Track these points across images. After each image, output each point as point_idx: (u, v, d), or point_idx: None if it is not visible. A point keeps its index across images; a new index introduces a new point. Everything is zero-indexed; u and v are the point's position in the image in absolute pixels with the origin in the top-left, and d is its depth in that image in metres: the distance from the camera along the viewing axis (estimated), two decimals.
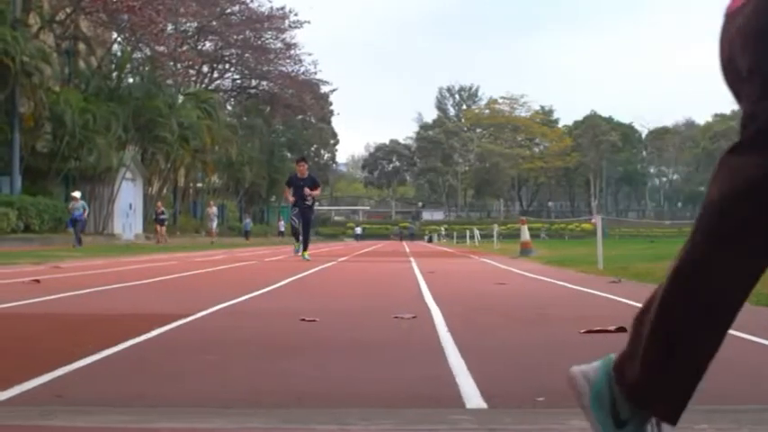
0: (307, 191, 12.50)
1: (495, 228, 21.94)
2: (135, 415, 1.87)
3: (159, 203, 29.70)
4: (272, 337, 3.30)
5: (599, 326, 3.54)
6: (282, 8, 46.09)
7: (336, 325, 3.77)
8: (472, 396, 2.12)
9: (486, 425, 1.82)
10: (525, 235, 14.51)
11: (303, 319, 3.82)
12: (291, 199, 12.65)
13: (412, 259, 13.68)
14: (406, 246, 31.50)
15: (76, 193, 22.59)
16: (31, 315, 4.11)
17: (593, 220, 10.67)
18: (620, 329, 3.48)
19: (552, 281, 7.37)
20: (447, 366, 2.58)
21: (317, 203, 14.52)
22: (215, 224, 34.20)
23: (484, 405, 2.02)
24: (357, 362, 2.71)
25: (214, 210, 34.69)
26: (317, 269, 9.64)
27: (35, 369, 2.43)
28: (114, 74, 29.95)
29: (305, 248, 12.66)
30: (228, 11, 44.23)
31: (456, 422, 1.84)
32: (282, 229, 49.25)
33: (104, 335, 3.30)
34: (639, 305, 4.45)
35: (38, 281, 6.75)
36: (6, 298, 4.92)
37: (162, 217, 28.99)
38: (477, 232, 28.17)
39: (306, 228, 12.76)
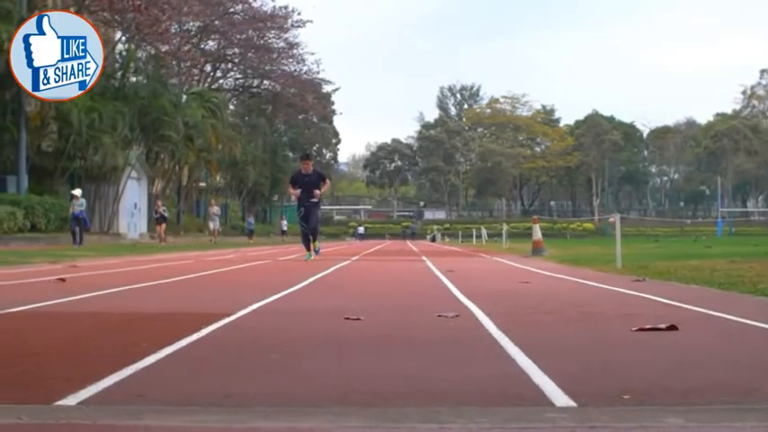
0: (316, 192, 12.03)
1: (504, 227, 21.90)
2: (228, 414, 1.85)
3: (159, 202, 29.18)
4: (326, 335, 3.27)
5: (643, 324, 3.52)
6: (285, 7, 46.11)
7: (383, 324, 3.74)
8: (556, 394, 2.09)
9: (584, 423, 1.80)
10: (537, 234, 14.48)
11: (347, 318, 3.79)
12: (296, 192, 12.11)
13: (424, 258, 13.66)
14: (413, 245, 31.46)
15: (77, 191, 22.19)
16: (74, 314, 4.08)
17: (611, 219, 10.61)
18: (672, 327, 3.47)
19: (576, 280, 7.34)
20: (515, 364, 2.56)
21: (322, 200, 13.64)
22: (216, 224, 33.97)
23: (572, 403, 2.00)
24: (422, 360, 2.68)
25: (216, 209, 34.37)
26: (335, 268, 9.61)
27: (102, 368, 2.41)
28: (119, 73, 29.88)
29: (314, 239, 12.29)
30: (231, 10, 44.20)
31: (554, 420, 1.82)
32: (285, 228, 49.20)
33: (155, 334, 3.28)
34: (675, 303, 4.42)
35: (63, 279, 6.73)
36: (41, 297, 4.89)
37: (162, 216, 28.48)
38: (484, 231, 28.14)
39: (314, 227, 12.27)
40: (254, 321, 3.80)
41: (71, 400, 2.00)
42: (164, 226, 28.22)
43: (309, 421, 1.79)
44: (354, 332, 3.37)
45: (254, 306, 4.44)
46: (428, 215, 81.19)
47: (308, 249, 12.21)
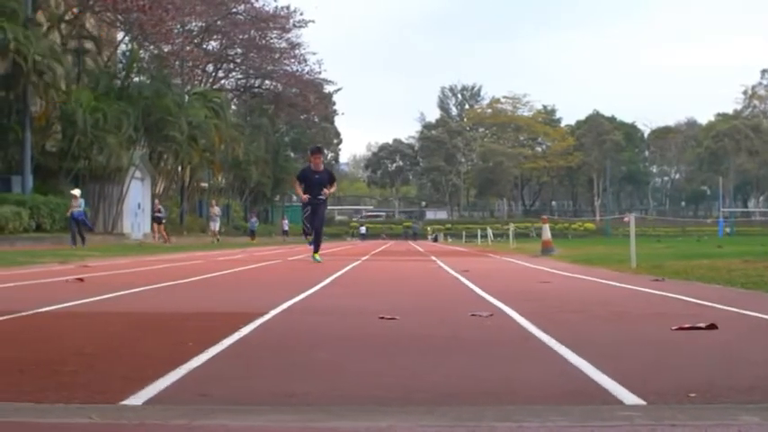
0: (325, 191, 11.12)
1: (511, 227, 21.90)
2: (300, 414, 1.83)
3: (157, 201, 28.80)
4: (366, 334, 3.26)
5: (678, 323, 3.51)
6: (287, 7, 46.07)
7: (420, 323, 3.73)
8: (621, 392, 2.08)
9: (662, 421, 1.78)
10: (547, 234, 14.46)
11: (382, 317, 3.78)
12: (304, 197, 11.06)
13: (434, 258, 13.64)
14: (417, 245, 31.43)
15: (76, 191, 21.81)
16: (106, 313, 4.07)
17: (625, 219, 10.58)
18: (711, 327, 3.46)
19: (595, 279, 7.33)
20: (569, 363, 2.54)
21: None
22: (218, 224, 33.67)
23: (641, 401, 1.99)
24: (472, 359, 2.67)
25: (217, 210, 34.00)
26: (348, 268, 9.60)
27: (156, 368, 2.39)
28: (123, 73, 29.87)
29: (316, 249, 11.26)
30: (234, 10, 44.16)
31: (631, 418, 1.80)
32: (286, 228, 49.21)
33: (197, 333, 3.26)
34: (702, 303, 4.40)
35: (81, 279, 6.71)
36: (65, 297, 4.87)
37: (160, 215, 28.08)
38: (489, 231, 28.12)
39: (319, 226, 11.34)
40: (289, 320, 3.78)
41: (136, 400, 1.98)
42: (162, 226, 27.87)
43: (386, 420, 1.77)
44: (393, 331, 3.36)
45: (284, 306, 4.42)
46: (429, 215, 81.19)
47: (316, 251, 11.31)
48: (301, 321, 3.79)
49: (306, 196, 11.06)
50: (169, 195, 37.14)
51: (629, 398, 2.02)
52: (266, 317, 3.83)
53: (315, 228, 11.27)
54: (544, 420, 1.77)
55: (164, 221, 28.49)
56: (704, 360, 2.66)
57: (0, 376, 2.27)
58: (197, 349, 2.76)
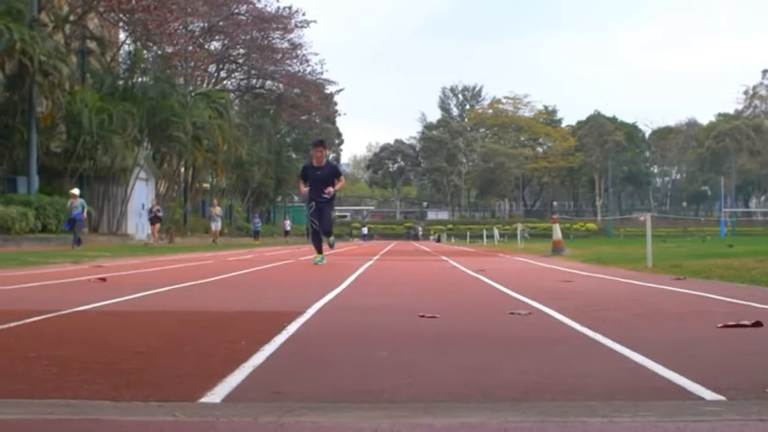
0: (330, 190, 10.24)
1: (520, 227, 21.89)
2: (386, 410, 1.82)
3: (154, 201, 28.06)
4: (414, 333, 3.24)
5: (720, 321, 3.51)
6: (289, 8, 46.05)
7: (462, 322, 3.72)
8: (697, 388, 2.07)
9: (749, 415, 1.77)
10: (557, 234, 14.45)
11: (422, 316, 3.77)
12: (305, 190, 10.47)
13: (445, 258, 13.63)
14: (422, 245, 31.40)
15: (75, 190, 21.53)
16: (144, 313, 4.05)
17: (641, 218, 10.56)
18: (757, 324, 3.45)
19: (617, 279, 7.32)
20: (630, 360, 2.54)
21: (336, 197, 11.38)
22: (219, 224, 33.17)
23: (720, 397, 1.98)
24: (530, 356, 2.66)
25: (218, 210, 33.50)
26: (365, 267, 9.59)
27: (219, 366, 2.39)
28: (127, 73, 29.83)
29: (328, 234, 10.64)
30: (236, 11, 44.14)
31: (718, 413, 1.79)
32: (288, 228, 49.22)
33: (245, 332, 3.26)
34: (736, 301, 4.38)
35: (104, 279, 6.70)
36: (95, 296, 4.86)
37: (157, 215, 27.05)
38: (496, 232, 28.11)
39: (327, 223, 10.53)
40: (330, 319, 3.77)
41: (213, 398, 1.97)
42: (157, 226, 27.00)
43: (473, 416, 1.76)
44: (439, 329, 3.35)
45: (318, 305, 4.41)
46: (431, 215, 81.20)
47: (320, 251, 10.55)
48: (342, 320, 3.78)
49: (306, 189, 10.39)
50: (172, 196, 37.09)
51: (707, 394, 2.01)
52: (306, 316, 3.82)
53: (323, 228, 10.44)
54: (633, 415, 1.77)
55: (160, 222, 27.58)
56: (764, 356, 2.65)
57: (67, 374, 2.27)
58: (252, 348, 2.75)
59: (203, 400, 1.95)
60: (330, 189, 10.24)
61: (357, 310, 4.25)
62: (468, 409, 1.84)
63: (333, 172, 10.48)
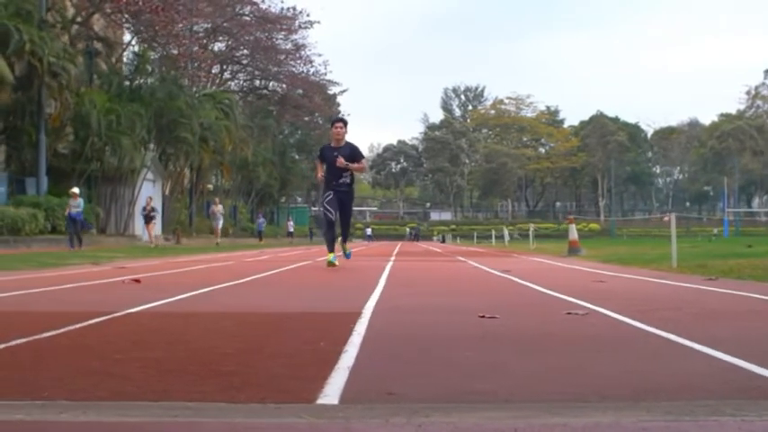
0: (340, 159, 9.02)
1: (531, 227, 21.88)
2: (508, 411, 1.82)
3: (149, 199, 26.99)
4: (488, 333, 3.23)
5: None
6: (293, 8, 46.09)
7: (524, 323, 3.72)
8: None
9: None
10: (573, 234, 14.45)
11: (482, 316, 3.77)
12: (321, 175, 9.41)
13: (461, 258, 13.62)
14: (431, 246, 31.38)
15: (75, 189, 21.25)
16: (206, 314, 4.04)
17: (665, 218, 10.57)
18: None
19: (648, 279, 7.31)
20: (720, 360, 2.53)
21: (355, 184, 9.95)
22: (221, 223, 31.97)
23: None
24: (620, 355, 2.65)
25: (219, 208, 32.36)
26: (389, 268, 9.58)
27: (313, 368, 2.39)
28: (134, 74, 29.85)
29: (344, 240, 9.88)
30: (240, 11, 44.16)
31: None
32: (291, 229, 49.23)
33: (315, 333, 3.25)
34: None
35: (138, 280, 6.69)
36: (141, 298, 4.85)
37: (152, 214, 26.07)
38: (506, 232, 28.13)
39: (345, 217, 9.50)
40: (391, 319, 3.76)
41: (330, 400, 1.97)
42: (152, 226, 26.10)
43: (603, 416, 1.76)
44: (506, 330, 3.35)
45: (370, 305, 4.40)
46: (434, 216, 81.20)
47: (332, 250, 9.41)
48: (403, 320, 3.77)
49: (321, 175, 9.33)
50: (177, 197, 37.08)
51: None
52: (365, 317, 3.81)
53: (341, 219, 9.42)
54: (759, 415, 1.76)
55: (155, 222, 26.72)
56: None
57: (168, 376, 2.26)
58: (333, 348, 2.74)
59: (320, 401, 1.95)
60: (341, 159, 9.03)
61: (410, 310, 4.24)
62: (592, 409, 1.83)
63: (354, 153, 9.29)
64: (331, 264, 9.15)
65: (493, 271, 8.89)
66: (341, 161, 8.98)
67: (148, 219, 25.85)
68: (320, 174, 9.43)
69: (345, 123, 9.44)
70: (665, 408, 1.85)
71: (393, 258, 13.87)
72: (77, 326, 3.41)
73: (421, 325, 3.57)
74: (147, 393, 2.03)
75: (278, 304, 4.61)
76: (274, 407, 1.90)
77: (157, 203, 32.09)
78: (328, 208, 9.20)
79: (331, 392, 2.04)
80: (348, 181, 9.25)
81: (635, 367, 2.43)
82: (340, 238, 9.94)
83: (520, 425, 1.69)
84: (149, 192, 31.18)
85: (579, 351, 2.76)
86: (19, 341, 2.92)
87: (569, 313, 3.96)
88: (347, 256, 9.85)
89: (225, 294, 5.44)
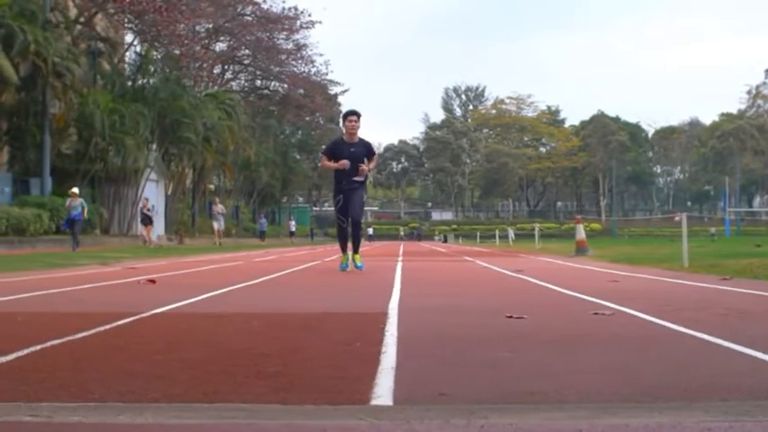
0: (363, 168, 8.51)
1: (537, 227, 21.89)
2: (567, 411, 1.82)
3: (145, 200, 26.56)
4: (520, 333, 3.23)
5: None
6: (295, 8, 46.07)
7: (552, 323, 3.71)
8: None
9: None
10: (581, 234, 14.44)
11: (510, 316, 3.76)
12: (328, 163, 8.75)
13: (469, 258, 13.62)
14: (435, 246, 31.38)
15: (75, 189, 21.00)
16: (232, 315, 4.03)
17: (676, 218, 10.58)
18: None
19: (662, 279, 7.31)
20: (761, 360, 2.53)
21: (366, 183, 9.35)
22: (222, 223, 31.59)
23: None
24: (661, 355, 2.65)
25: (220, 207, 31.78)
26: (399, 269, 9.57)
27: (358, 368, 2.39)
28: (137, 75, 29.84)
29: (356, 250, 9.00)
30: (242, 11, 44.14)
31: None
32: (293, 229, 49.25)
33: (347, 333, 3.25)
34: None
35: (153, 281, 6.69)
36: (162, 299, 4.85)
37: (148, 215, 25.52)
38: (511, 232, 28.15)
39: (357, 217, 8.88)
40: (419, 320, 3.76)
41: (384, 401, 1.96)
42: (150, 228, 25.56)
43: (663, 417, 1.75)
44: (538, 330, 3.34)
45: (393, 306, 4.40)
46: (435, 216, 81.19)
47: (345, 252, 9.17)
48: (431, 321, 3.76)
49: (334, 164, 8.58)
50: (180, 198, 37.07)
51: None
52: (391, 317, 3.81)
53: (352, 220, 8.81)
54: None
55: (152, 222, 26.01)
56: None
57: (213, 377, 2.26)
58: (370, 349, 2.74)
59: (375, 402, 1.94)
60: (364, 167, 8.50)
61: (435, 311, 4.23)
62: (648, 409, 1.83)
63: (367, 149, 8.72)
64: (343, 269, 8.90)
65: (505, 271, 8.89)
66: (363, 169, 8.49)
67: (147, 220, 25.51)
68: (326, 163, 8.85)
69: (359, 116, 8.66)
70: (722, 408, 1.85)
71: (401, 258, 13.86)
72: (107, 327, 3.41)
73: (451, 325, 3.56)
74: (197, 395, 2.02)
75: (299, 305, 4.60)
76: (331, 408, 1.89)
77: (160, 204, 32.13)
78: (341, 217, 8.85)
79: (383, 393, 2.03)
80: (362, 179, 8.74)
81: (678, 367, 2.43)
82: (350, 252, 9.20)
83: (583, 426, 1.69)
84: (152, 192, 31.18)
85: (617, 351, 2.75)
86: (54, 342, 2.91)
87: (596, 313, 3.95)
88: (359, 267, 8.88)
89: (243, 295, 5.44)
